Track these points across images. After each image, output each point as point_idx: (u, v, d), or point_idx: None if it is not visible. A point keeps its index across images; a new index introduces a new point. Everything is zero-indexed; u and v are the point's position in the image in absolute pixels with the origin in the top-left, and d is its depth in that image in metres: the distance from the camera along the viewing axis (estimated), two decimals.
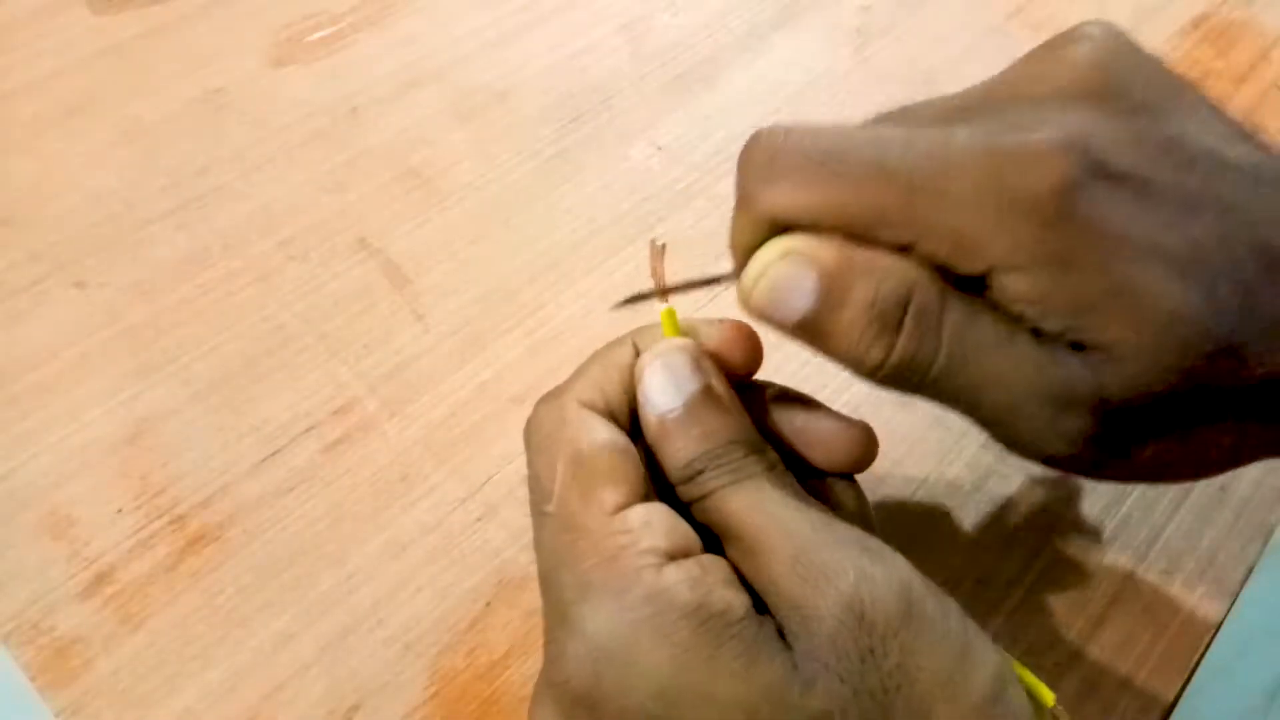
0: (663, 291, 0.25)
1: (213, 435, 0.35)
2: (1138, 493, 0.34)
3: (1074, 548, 0.33)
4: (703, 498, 0.23)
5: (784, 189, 0.21)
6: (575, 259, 0.40)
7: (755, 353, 0.25)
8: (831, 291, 0.21)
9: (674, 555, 0.21)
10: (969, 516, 0.33)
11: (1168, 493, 0.34)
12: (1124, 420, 0.21)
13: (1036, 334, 0.21)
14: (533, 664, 0.30)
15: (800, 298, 0.21)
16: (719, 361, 0.25)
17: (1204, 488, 0.34)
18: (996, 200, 0.19)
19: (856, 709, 0.20)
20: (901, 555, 0.22)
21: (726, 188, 0.42)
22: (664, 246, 0.26)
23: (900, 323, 0.21)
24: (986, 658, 0.21)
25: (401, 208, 0.42)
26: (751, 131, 0.22)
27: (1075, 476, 0.23)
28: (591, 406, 0.24)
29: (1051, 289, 0.20)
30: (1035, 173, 0.19)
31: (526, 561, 0.32)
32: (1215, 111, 0.22)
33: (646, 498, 0.22)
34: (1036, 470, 0.34)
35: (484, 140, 0.44)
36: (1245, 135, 0.22)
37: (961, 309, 0.21)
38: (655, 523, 0.22)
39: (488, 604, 0.31)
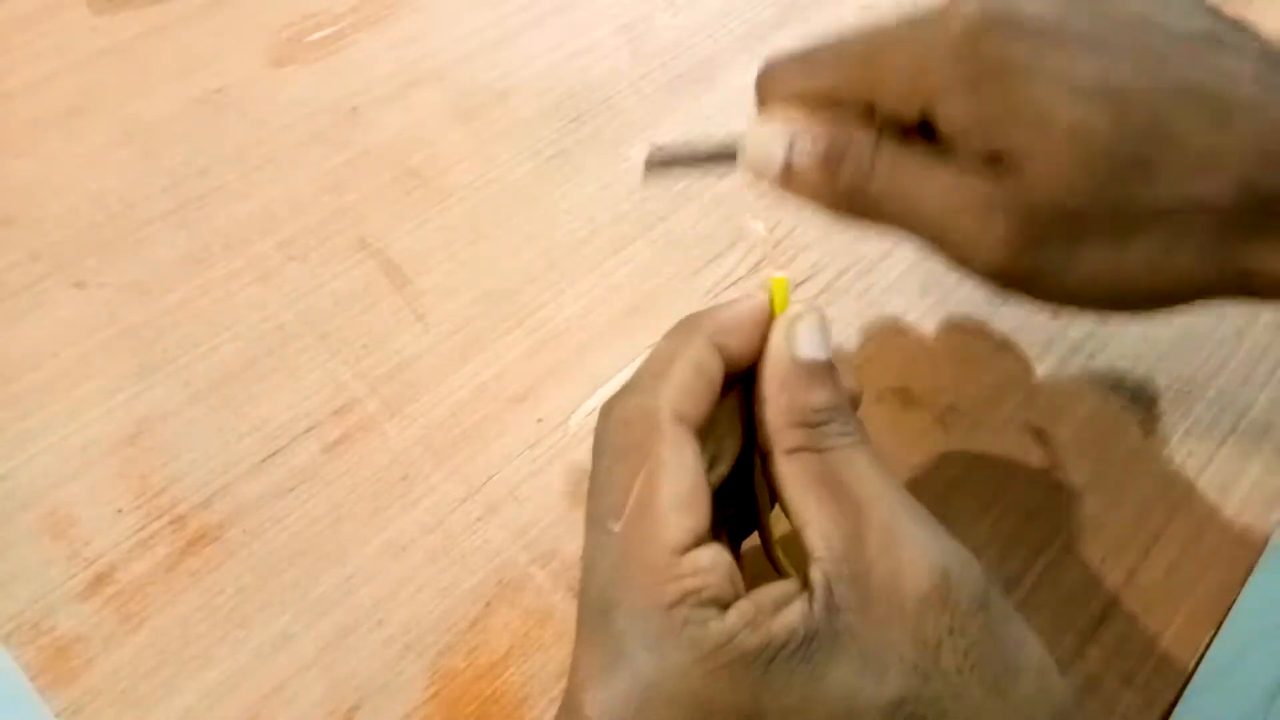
0: (686, 161, 0.29)
1: (213, 435, 0.35)
2: (1137, 493, 0.34)
3: (1074, 548, 0.33)
4: (821, 450, 0.23)
5: (778, 83, 0.28)
6: (575, 259, 0.40)
7: None
8: (794, 144, 0.27)
9: (729, 601, 0.21)
10: (969, 516, 0.33)
11: (1168, 493, 0.34)
12: (1049, 229, 0.23)
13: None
14: (532, 664, 0.30)
15: (776, 151, 0.27)
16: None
17: (1204, 488, 0.34)
18: (923, 50, 0.25)
19: (928, 692, 0.20)
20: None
21: (726, 187, 0.43)
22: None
23: (842, 160, 0.26)
24: (1035, 638, 0.22)
25: (401, 208, 0.42)
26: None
27: (1029, 304, 0.26)
28: (684, 420, 0.23)
29: (966, 110, 0.24)
30: (948, 21, 0.24)
31: (526, 561, 0.32)
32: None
33: (708, 535, 0.22)
34: (1037, 469, 0.34)
35: (484, 140, 0.44)
36: (1209, 12, 0.25)
37: (895, 147, 0.26)
38: (718, 568, 0.21)
39: (488, 604, 0.31)
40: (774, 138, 0.27)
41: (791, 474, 0.23)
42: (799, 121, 0.27)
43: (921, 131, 0.26)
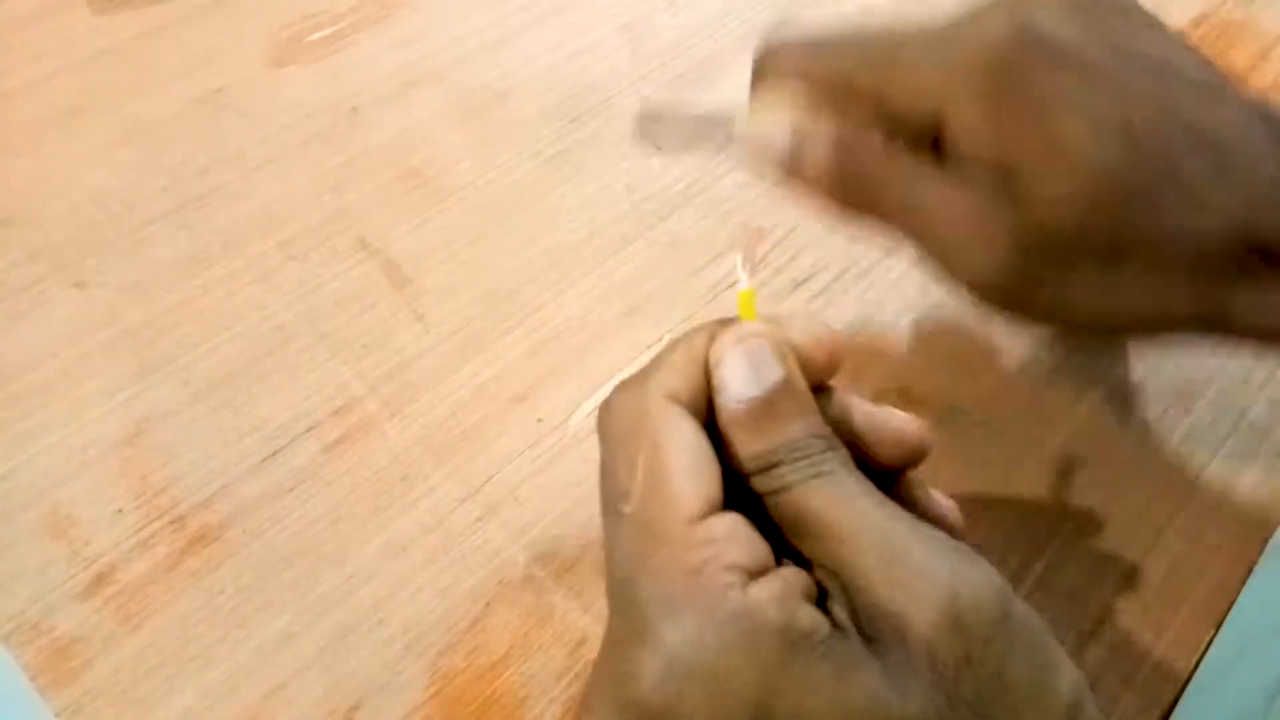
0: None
1: (213, 435, 0.35)
2: (1137, 493, 0.34)
3: (1074, 547, 0.33)
4: (779, 491, 0.22)
5: (784, 60, 0.28)
6: (575, 259, 0.40)
7: (836, 358, 0.25)
8: (801, 129, 0.26)
9: (754, 570, 0.21)
10: (969, 516, 0.33)
11: (1168, 493, 0.34)
12: (1047, 253, 0.24)
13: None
14: (532, 664, 0.30)
15: (780, 133, 0.27)
16: (800, 360, 0.24)
17: (1204, 488, 0.34)
18: (950, 57, 0.24)
19: (952, 715, 0.19)
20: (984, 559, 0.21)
21: (726, 188, 0.43)
22: (757, 230, 0.29)
23: (850, 151, 0.26)
24: (1067, 664, 0.21)
25: (401, 208, 0.42)
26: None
27: (1013, 323, 0.26)
28: (675, 398, 0.23)
29: (982, 122, 0.24)
30: (980, 29, 0.24)
31: (526, 561, 0.32)
32: (1169, 32, 0.26)
33: (723, 504, 0.22)
34: (1036, 469, 0.34)
35: (484, 140, 0.44)
36: (1192, 51, 0.25)
37: (905, 152, 0.25)
38: (737, 535, 0.21)
39: (488, 604, 0.31)
40: (779, 119, 0.27)
41: (775, 517, 0.23)
42: (806, 106, 0.27)
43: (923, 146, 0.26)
